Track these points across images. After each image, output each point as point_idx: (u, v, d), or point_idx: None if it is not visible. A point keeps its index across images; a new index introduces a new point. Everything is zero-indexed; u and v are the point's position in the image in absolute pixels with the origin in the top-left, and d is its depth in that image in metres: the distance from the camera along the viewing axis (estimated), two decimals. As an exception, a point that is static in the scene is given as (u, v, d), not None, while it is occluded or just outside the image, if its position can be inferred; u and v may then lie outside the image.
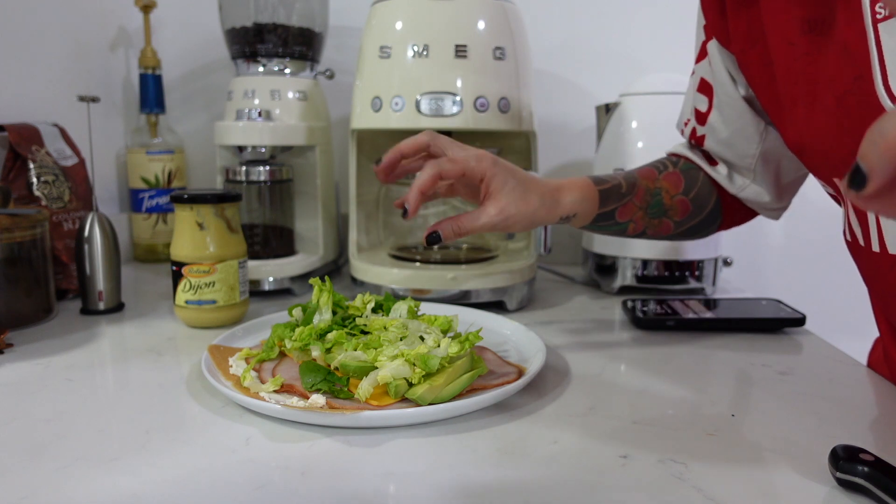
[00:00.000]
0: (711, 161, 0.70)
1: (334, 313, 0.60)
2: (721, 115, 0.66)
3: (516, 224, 0.59)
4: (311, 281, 0.62)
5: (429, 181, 0.58)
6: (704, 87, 0.68)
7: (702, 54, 0.67)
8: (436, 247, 0.91)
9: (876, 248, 0.52)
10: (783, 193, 0.69)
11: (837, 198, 0.58)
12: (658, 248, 0.89)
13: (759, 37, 0.57)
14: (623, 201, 0.65)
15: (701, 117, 0.69)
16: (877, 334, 0.67)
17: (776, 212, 0.71)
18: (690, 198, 0.68)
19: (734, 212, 0.72)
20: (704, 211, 0.69)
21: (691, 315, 0.75)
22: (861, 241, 0.53)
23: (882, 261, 0.51)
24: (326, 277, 0.62)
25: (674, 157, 0.72)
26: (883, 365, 0.64)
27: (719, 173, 0.69)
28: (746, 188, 0.68)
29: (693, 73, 0.70)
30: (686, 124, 0.71)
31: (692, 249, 0.89)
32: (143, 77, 1.07)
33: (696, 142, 0.70)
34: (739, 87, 0.64)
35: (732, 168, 0.69)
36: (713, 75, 0.66)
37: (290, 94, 0.91)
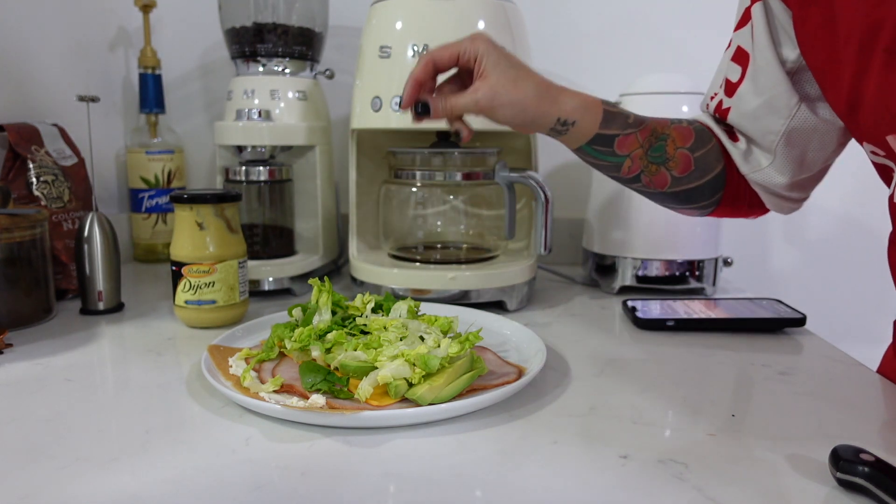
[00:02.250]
0: (732, 136, 0.65)
1: (334, 313, 0.60)
2: (753, 85, 0.62)
3: (504, 107, 0.57)
4: (311, 281, 0.62)
5: (422, 68, 0.57)
6: (740, 56, 0.63)
7: (744, 19, 0.63)
8: (438, 247, 0.91)
9: None
10: (801, 185, 0.64)
11: (885, 163, 0.54)
12: (658, 249, 0.89)
13: None
14: (626, 131, 0.61)
15: (730, 88, 0.64)
16: (888, 340, 0.66)
17: (786, 202, 0.66)
18: (695, 156, 0.64)
19: (737, 195, 0.67)
20: (706, 176, 0.65)
21: (691, 315, 0.75)
22: None
23: None
24: (326, 278, 0.62)
25: (692, 119, 0.68)
26: None
27: (737, 149, 0.64)
28: (760, 171, 0.63)
29: (729, 43, 0.65)
30: (713, 98, 0.67)
31: (692, 249, 0.89)
32: (142, 77, 1.07)
33: (720, 115, 0.66)
34: (784, 50, 0.59)
35: (753, 144, 0.64)
36: (752, 41, 0.61)
37: (290, 94, 0.91)
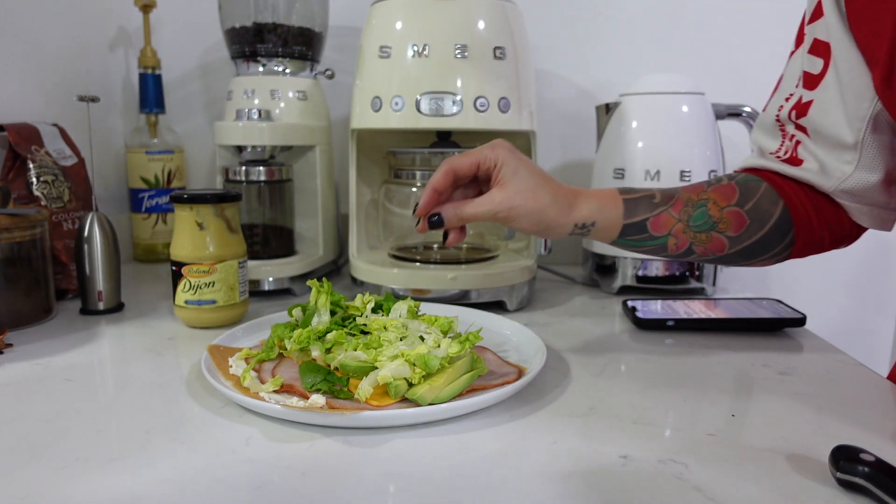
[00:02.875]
0: (795, 161, 0.61)
1: (333, 313, 0.60)
2: (836, 72, 0.58)
3: (521, 218, 0.56)
4: (310, 283, 0.62)
5: (441, 177, 0.56)
6: (818, 47, 0.60)
7: (816, 13, 0.60)
8: (436, 246, 0.91)
9: None
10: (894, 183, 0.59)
11: None
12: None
13: None
14: (656, 211, 0.59)
15: (812, 80, 0.60)
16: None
17: (885, 211, 0.59)
18: (746, 209, 0.60)
19: (811, 229, 0.61)
20: (767, 225, 0.60)
21: (691, 315, 0.75)
22: None
23: None
24: (324, 279, 0.62)
25: (733, 173, 0.65)
26: None
27: (807, 170, 0.60)
28: (849, 178, 0.58)
29: (799, 40, 0.63)
30: (787, 100, 0.62)
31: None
32: (142, 77, 1.07)
33: (797, 113, 0.61)
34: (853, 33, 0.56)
35: (829, 151, 0.59)
36: (828, 29, 0.58)
37: (290, 94, 0.91)
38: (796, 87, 0.63)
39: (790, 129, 0.63)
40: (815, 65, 0.60)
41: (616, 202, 0.59)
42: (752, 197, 0.61)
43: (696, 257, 0.62)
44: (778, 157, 0.63)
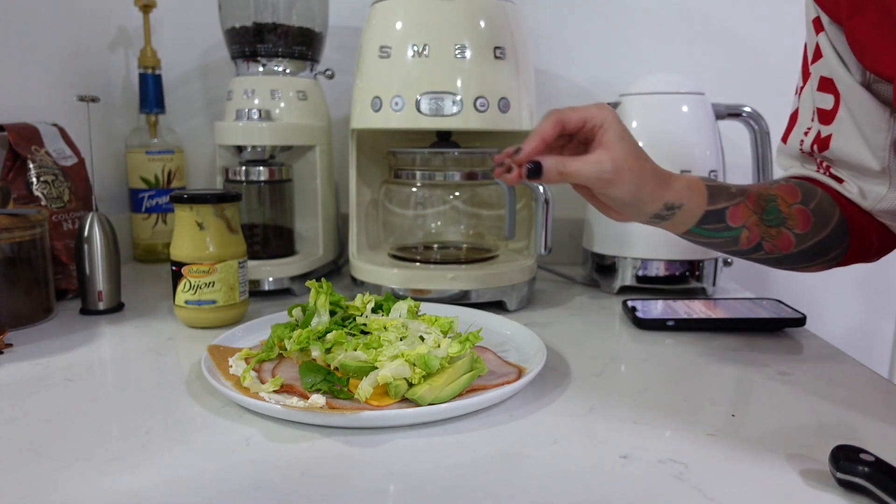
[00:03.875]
0: (837, 179, 0.63)
1: (333, 314, 0.60)
2: (847, 108, 0.60)
3: (624, 184, 0.53)
4: (309, 283, 0.62)
5: (550, 127, 0.53)
6: (826, 85, 0.62)
7: (817, 53, 0.62)
8: (436, 246, 0.91)
9: None
10: None
11: None
12: (658, 249, 0.89)
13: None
14: (734, 201, 0.59)
15: (826, 116, 0.61)
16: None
17: None
18: (811, 208, 0.61)
19: (863, 234, 0.63)
20: (830, 224, 0.61)
21: (691, 315, 0.75)
22: None
23: None
24: (323, 279, 0.62)
25: (785, 178, 0.66)
26: None
27: (847, 189, 0.62)
28: (883, 199, 0.59)
29: (807, 79, 0.65)
30: (806, 133, 0.64)
31: (692, 249, 0.89)
32: (142, 77, 1.07)
33: (819, 147, 0.63)
34: (852, 69, 0.59)
35: (862, 177, 0.61)
36: (830, 69, 0.61)
37: (290, 94, 0.91)
38: (812, 121, 0.64)
39: (818, 158, 0.64)
40: (826, 101, 0.61)
41: (700, 187, 0.58)
42: (814, 198, 0.61)
43: (762, 254, 0.62)
44: (825, 174, 0.64)
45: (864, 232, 0.63)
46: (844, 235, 0.62)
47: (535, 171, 0.53)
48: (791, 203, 0.60)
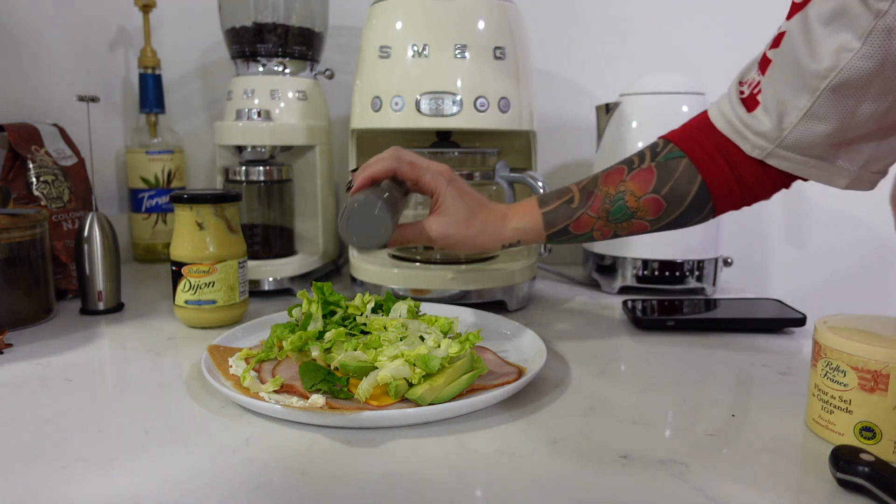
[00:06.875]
0: (752, 105, 0.60)
1: (333, 314, 0.60)
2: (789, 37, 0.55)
3: (456, 246, 0.61)
4: (300, 294, 0.61)
5: (381, 170, 0.60)
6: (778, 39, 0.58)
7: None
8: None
9: None
10: (846, 145, 0.55)
11: None
12: (658, 249, 0.89)
13: None
14: (575, 216, 0.63)
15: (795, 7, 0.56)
16: None
17: (836, 168, 0.56)
18: (663, 194, 0.62)
19: (732, 196, 0.62)
20: (683, 204, 0.63)
21: (691, 315, 0.75)
22: None
23: None
24: (314, 285, 0.61)
25: (662, 141, 0.65)
26: None
27: (756, 118, 0.59)
28: (796, 126, 0.55)
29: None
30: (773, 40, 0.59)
31: (692, 249, 0.89)
32: (142, 77, 1.07)
33: (772, 44, 0.59)
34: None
35: (783, 93, 0.56)
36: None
37: (290, 94, 0.91)
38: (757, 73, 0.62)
39: (755, 80, 0.62)
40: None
41: (535, 217, 0.63)
42: (669, 179, 0.63)
43: (624, 236, 0.66)
44: (741, 92, 0.62)
45: (731, 194, 0.62)
46: (705, 204, 0.63)
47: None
48: (640, 196, 0.62)
